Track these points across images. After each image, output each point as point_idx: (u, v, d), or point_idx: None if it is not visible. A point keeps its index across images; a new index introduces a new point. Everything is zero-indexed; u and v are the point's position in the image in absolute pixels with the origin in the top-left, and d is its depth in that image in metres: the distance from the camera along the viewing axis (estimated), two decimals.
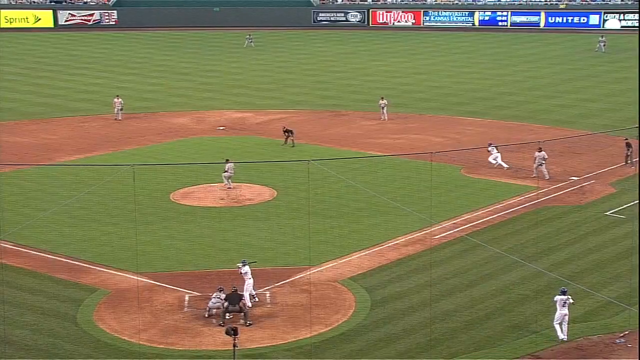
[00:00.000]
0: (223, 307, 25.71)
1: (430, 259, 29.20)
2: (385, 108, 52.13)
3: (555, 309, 24.34)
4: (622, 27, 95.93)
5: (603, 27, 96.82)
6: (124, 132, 52.14)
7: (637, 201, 35.32)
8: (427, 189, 36.02)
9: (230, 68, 78.42)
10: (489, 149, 41.90)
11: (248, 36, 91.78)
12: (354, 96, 64.01)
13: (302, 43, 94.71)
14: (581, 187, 39.17)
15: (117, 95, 56.30)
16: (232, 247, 31.96)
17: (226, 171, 38.76)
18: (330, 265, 30.11)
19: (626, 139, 42.66)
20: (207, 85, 69.32)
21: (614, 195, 37.64)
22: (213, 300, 26.00)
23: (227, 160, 39.16)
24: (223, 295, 26.01)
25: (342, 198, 37.80)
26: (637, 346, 23.82)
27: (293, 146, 47.18)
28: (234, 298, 25.77)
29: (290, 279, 28.82)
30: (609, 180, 40.02)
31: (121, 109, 55.09)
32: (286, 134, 48.05)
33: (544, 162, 39.95)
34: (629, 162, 42.18)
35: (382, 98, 52.31)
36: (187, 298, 27.50)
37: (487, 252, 30.44)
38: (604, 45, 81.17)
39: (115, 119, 54.58)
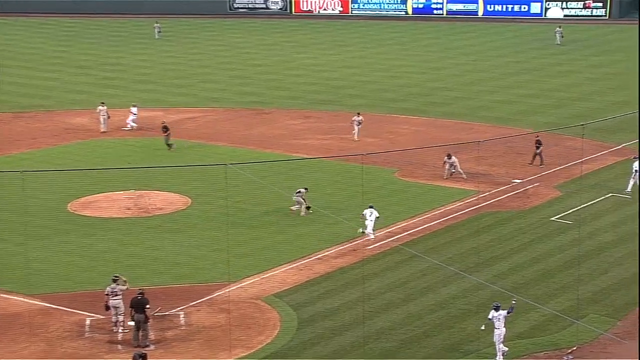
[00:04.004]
0: (130, 316, 25.43)
1: (362, 272, 29.46)
2: (360, 125, 48.35)
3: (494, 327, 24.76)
4: (564, 16, 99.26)
5: (545, 15, 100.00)
6: (11, 134, 50.75)
7: (583, 205, 36.69)
8: (359, 195, 36.40)
9: (136, 61, 77.36)
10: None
11: (156, 24, 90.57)
12: (277, 92, 64.11)
13: (218, 33, 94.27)
14: (524, 190, 40.32)
15: (102, 103, 51.95)
16: (140, 262, 31.54)
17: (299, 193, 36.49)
18: (252, 280, 30.06)
19: (537, 137, 43.71)
20: (110, 81, 68.19)
21: (560, 198, 38.90)
22: (112, 299, 25.82)
23: (305, 189, 36.77)
24: (119, 289, 25.81)
25: (264, 205, 37.79)
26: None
27: (170, 148, 46.44)
28: (140, 304, 25.42)
29: (207, 297, 28.64)
30: (554, 182, 41.34)
31: (108, 118, 51.03)
32: (164, 131, 47.24)
33: (454, 170, 40.87)
34: (536, 163, 43.11)
35: (359, 114, 48.88)
36: (88, 322, 27.00)
37: (424, 263, 30.97)
38: (561, 36, 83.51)
39: (102, 131, 50.80)
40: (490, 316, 24.71)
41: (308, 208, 36.41)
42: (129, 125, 51.94)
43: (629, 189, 38.74)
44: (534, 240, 33.90)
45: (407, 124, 53.40)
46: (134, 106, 53.19)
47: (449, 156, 41.41)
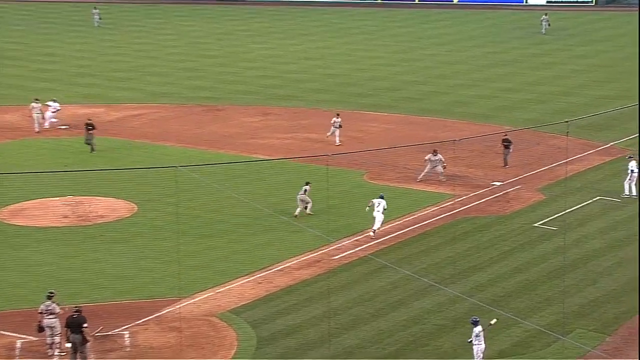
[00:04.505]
0: (66, 336, 25.16)
1: (328, 285, 29.45)
2: (340, 128, 47.44)
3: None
4: (547, 2, 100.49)
5: (526, 2, 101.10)
6: None
7: (568, 210, 37.11)
8: (324, 200, 36.44)
9: (73, 51, 76.71)
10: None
11: (94, 10, 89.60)
12: (232, 87, 63.96)
13: (165, 20, 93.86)
14: (505, 193, 40.68)
15: (36, 99, 50.85)
16: (79, 277, 31.23)
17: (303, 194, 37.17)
18: (206, 295, 29.94)
19: (505, 135, 44.02)
20: (43, 73, 67.49)
21: (544, 202, 39.32)
22: (47, 318, 25.51)
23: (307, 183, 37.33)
24: (54, 307, 25.53)
25: (219, 212, 37.66)
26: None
27: (92, 150, 46.06)
28: (76, 323, 25.14)
29: (156, 315, 28.46)
30: (537, 184, 41.79)
31: (42, 115, 50.04)
32: (88, 129, 46.65)
33: (443, 168, 41.17)
34: (511, 164, 43.62)
35: (338, 115, 47.94)
36: (19, 344, 26.64)
37: (396, 275, 31.09)
38: (548, 25, 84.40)
39: (36, 131, 49.91)
40: (475, 333, 24.78)
41: (306, 208, 37.02)
42: (46, 123, 51.02)
43: (632, 192, 38.96)
44: (516, 248, 34.21)
45: (376, 122, 53.61)
46: (54, 101, 52.33)
47: (435, 153, 41.37)
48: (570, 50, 77.20)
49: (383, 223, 34.93)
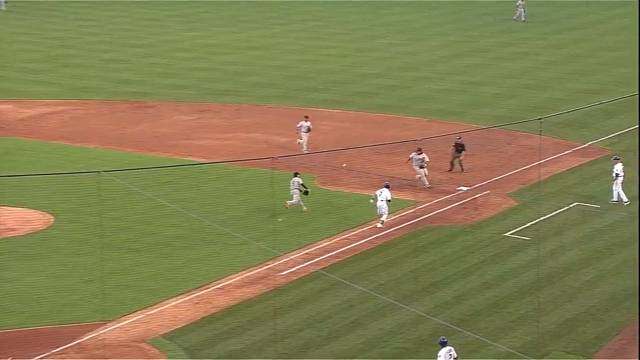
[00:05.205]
0: None
1: (274, 305, 29.47)
2: (308, 133, 46.85)
3: None
4: None
5: None
6: None
7: (542, 217, 37.61)
8: (269, 208, 36.40)
9: None
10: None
11: None
12: (163, 80, 63.66)
13: (84, 4, 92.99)
14: (472, 200, 41.07)
15: None
16: None
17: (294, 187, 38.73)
18: (135, 318, 29.76)
19: (459, 138, 44.15)
20: None
21: (515, 209, 39.78)
22: None
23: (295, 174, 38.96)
24: None
25: (150, 224, 37.46)
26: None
27: None
28: None
29: (77, 342, 28.20)
30: (508, 189, 42.26)
31: None
32: None
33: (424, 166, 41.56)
34: (455, 169, 43.91)
35: (306, 118, 47.32)
36: None
37: (351, 292, 31.19)
38: (524, 11, 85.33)
39: None
40: (439, 353, 24.95)
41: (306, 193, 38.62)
42: None
43: (622, 197, 39.48)
44: (485, 261, 34.55)
45: (328, 120, 53.75)
46: None
47: (419, 151, 41.46)
48: (544, 39, 78.28)
49: (387, 215, 37.01)
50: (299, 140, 46.83)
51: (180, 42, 76.96)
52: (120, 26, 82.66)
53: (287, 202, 38.59)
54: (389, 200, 37.02)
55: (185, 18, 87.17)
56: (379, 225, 36.90)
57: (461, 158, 44.00)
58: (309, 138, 46.87)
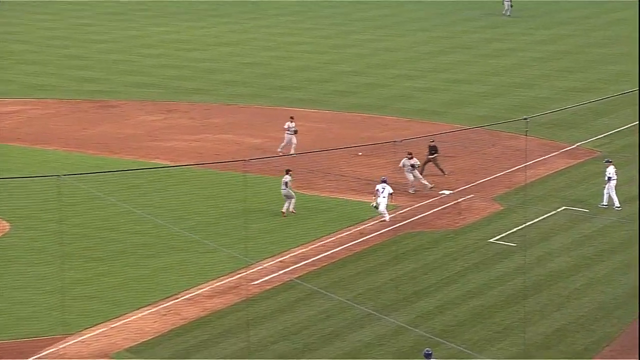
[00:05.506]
0: None
1: (247, 316, 29.45)
2: (294, 135, 46.47)
3: None
4: None
5: None
6: None
7: (529, 223, 37.80)
8: (241, 214, 36.36)
9: None
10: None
11: None
12: (128, 78, 63.47)
13: None
14: (456, 204, 41.21)
15: None
16: None
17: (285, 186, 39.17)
18: (98, 331, 29.63)
19: (432, 141, 43.72)
20: None
21: (501, 214, 39.93)
22: None
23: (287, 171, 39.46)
24: None
25: (114, 230, 37.33)
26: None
27: None
28: None
29: (35, 357, 28.03)
30: (493, 193, 42.41)
31: None
32: None
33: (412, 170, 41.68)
34: (434, 172, 43.97)
35: (292, 119, 47.07)
36: None
37: (328, 302, 31.20)
38: (510, 6, 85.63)
39: None
40: None
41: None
42: None
43: (614, 202, 39.63)
44: (469, 268, 34.66)
45: (303, 120, 53.71)
46: None
47: (410, 156, 41.60)
48: (530, 35, 78.67)
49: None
50: (280, 147, 46.60)
51: (146, 37, 76.75)
52: (81, 20, 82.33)
53: (288, 209, 38.88)
54: (391, 194, 38.19)
55: (151, 11, 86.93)
56: (386, 219, 38.15)
57: (437, 162, 43.93)
58: (288, 141, 46.65)
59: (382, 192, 37.90)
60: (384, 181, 38.15)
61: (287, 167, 39.48)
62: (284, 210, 38.87)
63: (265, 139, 49.64)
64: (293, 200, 39.09)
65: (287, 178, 38.99)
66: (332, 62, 68.80)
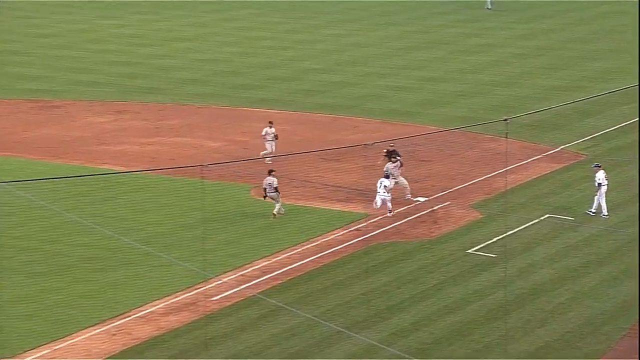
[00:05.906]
0: None
1: (205, 334, 29.29)
2: (274, 142, 46.56)
3: None
4: None
5: None
6: None
7: (510, 232, 37.93)
8: (198, 224, 36.17)
9: None
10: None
11: None
12: (74, 76, 63.19)
13: None
14: (431, 211, 41.25)
15: None
16: None
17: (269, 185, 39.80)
18: (41, 353, 29.37)
19: (391, 146, 43.24)
20: None
21: (480, 222, 40.02)
22: None
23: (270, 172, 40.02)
24: None
25: (57, 242, 37.06)
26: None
27: None
28: None
29: None
30: (472, 199, 42.51)
31: None
32: None
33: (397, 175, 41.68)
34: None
35: (270, 124, 47.01)
36: None
37: (293, 319, 31.12)
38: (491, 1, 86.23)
39: None
40: None
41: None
42: None
43: (602, 210, 39.78)
44: (446, 282, 34.68)
45: (266, 121, 53.66)
46: None
47: (394, 154, 41.78)
48: (510, 29, 79.09)
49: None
50: (262, 153, 46.23)
51: (93, 32, 76.41)
52: (19, 12, 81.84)
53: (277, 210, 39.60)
54: (388, 187, 39.54)
55: (99, 4, 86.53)
56: (389, 214, 39.65)
57: (398, 166, 43.06)
58: (271, 149, 46.46)
59: (379, 187, 39.40)
60: (387, 176, 39.94)
61: (269, 169, 40.03)
62: (275, 212, 39.56)
63: (224, 142, 49.48)
64: (278, 205, 39.61)
65: (273, 180, 39.37)
66: (298, 58, 68.80)
